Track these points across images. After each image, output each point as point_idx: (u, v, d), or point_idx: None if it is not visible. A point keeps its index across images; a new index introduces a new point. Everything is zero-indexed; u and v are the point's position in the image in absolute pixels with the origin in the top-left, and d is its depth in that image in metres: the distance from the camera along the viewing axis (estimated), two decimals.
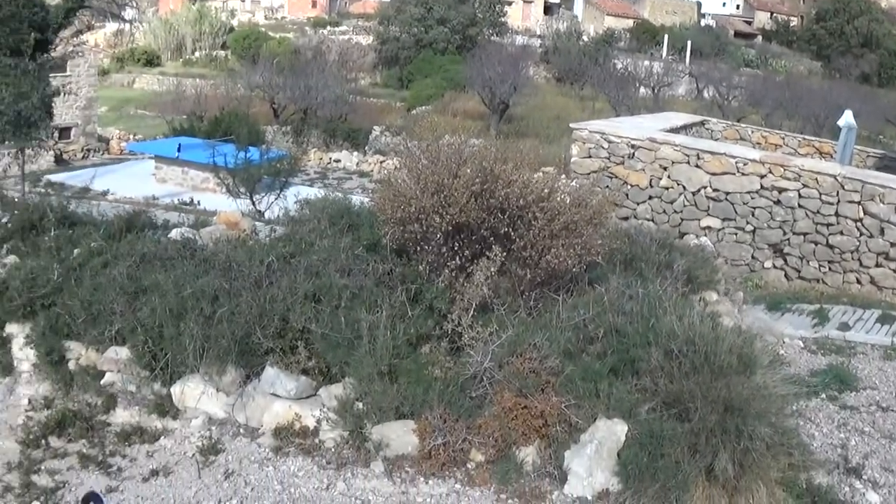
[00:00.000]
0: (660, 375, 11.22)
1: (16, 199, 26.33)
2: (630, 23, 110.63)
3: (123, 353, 12.91)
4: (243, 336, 12.28)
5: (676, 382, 11.02)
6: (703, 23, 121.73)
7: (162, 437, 12.19)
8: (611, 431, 10.87)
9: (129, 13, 69.94)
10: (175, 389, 12.59)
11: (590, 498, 10.61)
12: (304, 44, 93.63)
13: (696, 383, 10.87)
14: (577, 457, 10.75)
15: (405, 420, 11.38)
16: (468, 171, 12.87)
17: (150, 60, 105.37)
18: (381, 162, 51.21)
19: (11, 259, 18.60)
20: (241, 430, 12.15)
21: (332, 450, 11.49)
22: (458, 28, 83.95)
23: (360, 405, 11.59)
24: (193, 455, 11.71)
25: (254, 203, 35.35)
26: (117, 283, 13.47)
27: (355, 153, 55.70)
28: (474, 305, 12.27)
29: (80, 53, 61.37)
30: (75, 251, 15.62)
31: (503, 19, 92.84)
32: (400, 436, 11.27)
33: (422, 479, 10.95)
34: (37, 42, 52.09)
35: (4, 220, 22.12)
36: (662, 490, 10.31)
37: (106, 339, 13.08)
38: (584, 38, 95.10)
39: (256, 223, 20.99)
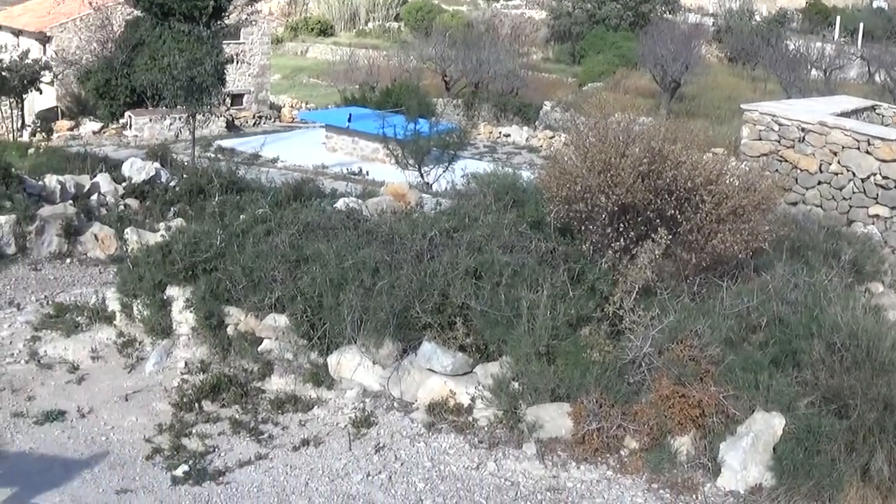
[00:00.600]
0: (821, 369, 11.06)
1: (185, 164, 27.32)
2: (802, 3, 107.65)
3: (282, 320, 13.26)
4: (402, 309, 12.43)
5: (837, 377, 10.86)
6: (874, 5, 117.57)
7: (315, 407, 12.45)
8: (768, 425, 10.77)
9: None
10: (331, 360, 12.87)
11: (742, 492, 10.55)
12: (476, 17, 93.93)
13: (857, 379, 10.70)
14: (731, 449, 10.69)
15: (560, 402, 11.43)
16: (636, 150, 12.86)
17: (324, 30, 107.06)
18: (551, 138, 51.24)
19: (177, 222, 19.41)
20: (395, 404, 12.34)
21: (485, 429, 11.60)
22: (630, 4, 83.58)
23: (516, 385, 11.68)
24: (345, 427, 11.92)
25: (422, 175, 35.87)
26: (280, 250, 13.83)
27: (525, 128, 55.90)
28: (637, 288, 12.23)
29: (254, 21, 62.94)
30: (240, 217, 16.17)
31: None
32: (554, 418, 11.34)
33: (573, 463, 11.00)
34: (211, 9, 53.83)
35: (173, 183, 23.04)
36: (816, 488, 10.20)
37: (265, 306, 13.42)
38: (757, 17, 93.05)
39: (423, 195, 21.31)
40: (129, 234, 19.28)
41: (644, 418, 11.05)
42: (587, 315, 12.23)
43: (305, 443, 11.65)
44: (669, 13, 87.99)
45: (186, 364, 13.51)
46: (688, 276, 13.09)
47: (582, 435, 11.13)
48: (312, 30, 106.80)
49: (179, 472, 10.97)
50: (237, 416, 12.24)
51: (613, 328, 12.12)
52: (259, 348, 13.41)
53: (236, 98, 60.31)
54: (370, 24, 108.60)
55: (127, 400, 12.84)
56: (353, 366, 12.75)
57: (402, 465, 11.12)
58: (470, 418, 11.83)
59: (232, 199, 19.59)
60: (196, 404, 12.50)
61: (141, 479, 10.92)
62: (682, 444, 11.02)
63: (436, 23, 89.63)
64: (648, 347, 11.47)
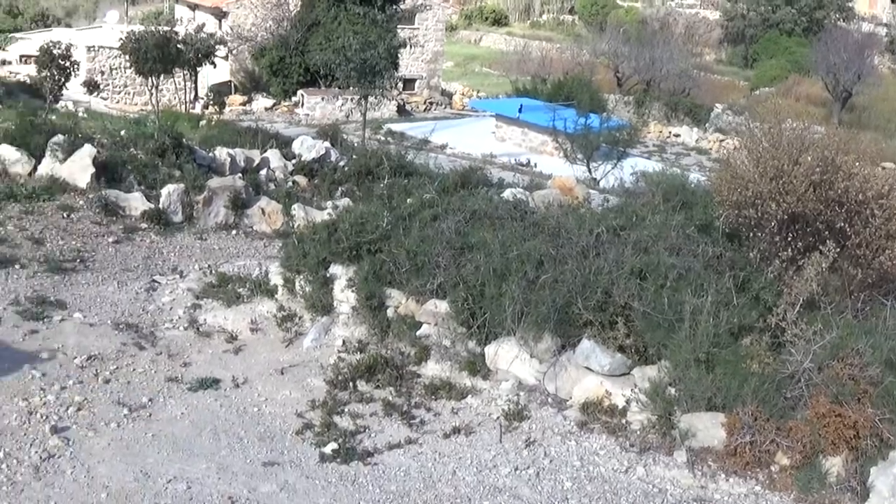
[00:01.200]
0: None
1: (355, 145, 27.74)
2: None
3: (443, 307, 13.37)
4: (563, 305, 12.41)
5: None
6: None
7: (469, 396, 12.52)
8: None
9: None
10: (489, 350, 12.93)
11: None
12: (651, 14, 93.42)
13: None
14: (882, 474, 10.38)
15: (715, 412, 11.28)
16: (809, 158, 12.67)
17: (498, 20, 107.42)
18: (721, 141, 50.75)
19: (344, 202, 19.74)
20: (549, 400, 12.33)
21: (637, 432, 11.52)
22: (805, 10, 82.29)
23: (672, 391, 11.58)
24: (497, 418, 11.96)
25: (590, 170, 35.81)
26: (445, 236, 13.92)
27: (695, 129, 55.47)
28: (801, 301, 12.00)
29: (429, 7, 63.45)
30: (408, 200, 16.36)
31: (850, 4, 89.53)
32: (707, 428, 11.20)
33: (723, 475, 10.87)
34: None
35: (342, 163, 23.45)
36: None
37: (427, 291, 13.58)
38: None
39: (590, 191, 21.26)
40: (297, 210, 19.69)
41: (798, 435, 10.84)
42: (749, 324, 12.04)
43: (456, 431, 11.73)
44: (843, 21, 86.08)
45: (344, 343, 13.75)
46: (853, 292, 12.80)
47: (734, 447, 10.97)
48: (487, 19, 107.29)
49: (328, 449, 11.15)
50: (390, 399, 12.40)
51: (774, 340, 11.87)
52: (417, 333, 13.55)
53: (408, 83, 60.88)
54: (544, 16, 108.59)
55: (282, 374, 13.15)
56: (510, 358, 12.79)
57: (550, 461, 11.11)
58: (623, 420, 11.77)
59: (400, 182, 19.84)
60: (350, 383, 12.71)
61: (289, 453, 11.17)
62: (834, 464, 10.76)
63: (610, 18, 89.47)
64: (809, 363, 11.22)
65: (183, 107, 44.86)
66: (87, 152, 19.55)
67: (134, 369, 12.95)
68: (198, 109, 48.77)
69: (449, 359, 13.09)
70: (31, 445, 10.83)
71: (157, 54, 26.08)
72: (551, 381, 12.51)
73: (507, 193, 17.46)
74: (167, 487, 10.20)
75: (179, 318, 14.60)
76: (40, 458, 10.59)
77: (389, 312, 13.92)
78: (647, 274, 12.67)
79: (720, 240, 13.65)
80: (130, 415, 11.77)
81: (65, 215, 17.96)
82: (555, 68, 67.52)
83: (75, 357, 13.03)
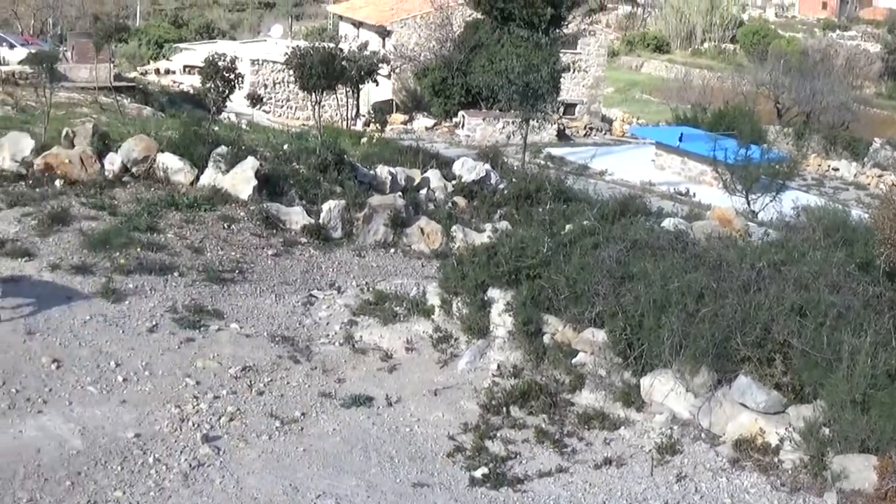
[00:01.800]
0: None
1: (515, 168, 27.73)
2: None
3: (600, 336, 13.26)
4: (722, 339, 12.23)
5: None
6: None
7: (622, 427, 12.40)
8: None
9: None
10: (644, 381, 12.79)
11: None
12: (812, 45, 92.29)
13: None
14: None
15: (868, 454, 10.97)
16: None
17: (659, 46, 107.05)
18: (879, 176, 49.71)
19: (503, 225, 19.72)
20: (702, 435, 12.13)
21: (789, 472, 11.28)
22: None
23: (826, 431, 11.30)
24: (649, 451, 11.83)
25: (748, 202, 35.27)
26: (605, 265, 13.81)
27: (854, 163, 54.47)
28: None
29: (592, 32, 63.42)
30: (567, 227, 16.26)
31: None
32: (860, 470, 10.88)
33: None
34: (550, 17, 54.53)
35: (502, 186, 23.45)
36: None
37: (585, 319, 13.49)
38: None
39: (749, 223, 20.97)
40: (456, 231, 19.78)
41: None
42: None
43: (608, 462, 11.62)
44: None
45: (499, 367, 13.71)
46: None
47: (885, 491, 10.62)
48: (648, 45, 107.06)
49: (479, 473, 11.15)
50: (543, 426, 12.33)
51: None
52: (573, 361, 13.47)
53: (569, 107, 60.84)
54: (706, 44, 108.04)
55: (436, 395, 13.19)
56: (665, 390, 12.64)
57: (701, 497, 10.95)
58: (776, 459, 11.53)
59: (559, 207, 19.76)
60: (504, 408, 12.68)
61: (439, 475, 11.20)
62: None
63: (771, 48, 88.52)
64: None
65: (344, 123, 45.46)
66: (249, 164, 19.90)
67: (288, 382, 13.13)
68: (359, 126, 49.39)
69: (603, 388, 12.96)
70: (181, 452, 11.08)
71: (322, 70, 26.42)
72: (705, 416, 12.32)
73: (668, 223, 17.30)
74: (315, 503, 10.26)
75: (335, 333, 14.75)
76: (190, 465, 10.82)
77: (546, 339, 13.86)
78: (807, 311, 12.40)
79: (881, 279, 13.36)
80: (282, 428, 11.93)
81: (225, 226, 18.32)
82: (715, 97, 67.03)
83: (230, 367, 13.28)
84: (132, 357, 13.25)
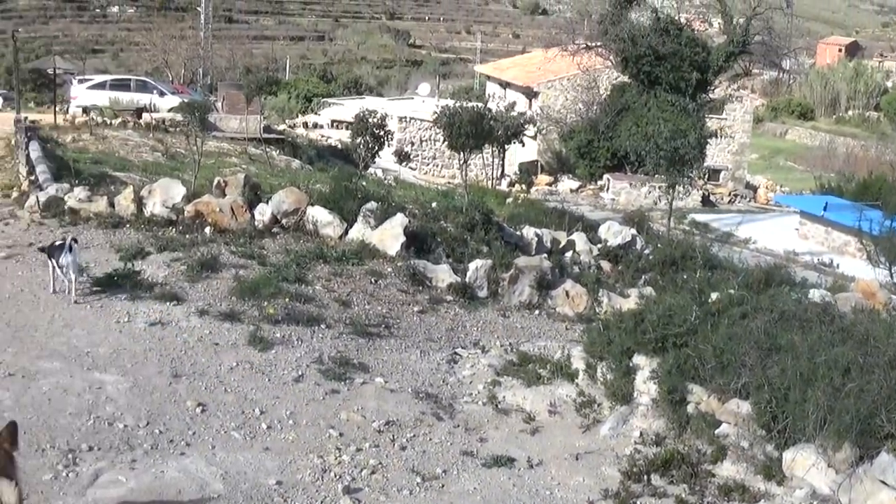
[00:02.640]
0: None
1: (660, 233, 27.60)
2: None
3: (745, 407, 13.03)
4: (867, 415, 12.01)
5: None
6: None
7: (762, 501, 12.08)
8: None
9: (787, 63, 70.91)
10: (787, 455, 12.46)
11: None
12: None
13: None
14: None
15: None
16: None
17: (804, 113, 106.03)
18: None
19: (648, 291, 19.61)
20: None
21: None
22: None
23: None
24: None
25: (892, 275, 34.52)
26: (753, 336, 13.59)
27: None
28: None
29: (738, 98, 62.99)
30: (713, 295, 16.12)
31: None
32: None
33: None
34: (697, 82, 54.39)
35: (647, 251, 23.35)
36: None
37: (730, 390, 13.24)
38: None
39: (893, 297, 20.57)
40: (602, 295, 19.70)
41: None
42: None
43: None
44: None
45: (641, 434, 13.57)
46: None
47: None
48: (793, 112, 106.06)
49: None
50: (683, 496, 12.10)
51: None
52: (716, 431, 13.23)
53: (713, 173, 60.48)
54: (850, 112, 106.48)
55: (577, 459, 13.03)
56: (807, 465, 12.28)
57: None
58: None
59: (704, 275, 19.61)
60: (645, 476, 12.48)
61: None
62: None
63: None
64: None
65: (489, 182, 45.83)
66: (398, 221, 20.15)
67: (430, 439, 13.14)
68: (503, 186, 49.74)
69: (745, 461, 12.67)
70: (321, 503, 11.12)
71: (471, 130, 26.73)
72: (845, 493, 11.89)
73: (815, 295, 17.04)
74: None
75: (479, 392, 14.74)
76: None
77: (690, 408, 13.66)
78: None
79: None
80: (423, 484, 11.91)
81: (372, 281, 18.55)
82: (859, 166, 66.04)
83: (373, 420, 13.34)
84: (277, 405, 13.42)
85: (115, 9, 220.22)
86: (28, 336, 14.61)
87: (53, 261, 16.60)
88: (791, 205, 52.49)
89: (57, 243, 17.06)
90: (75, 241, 17.08)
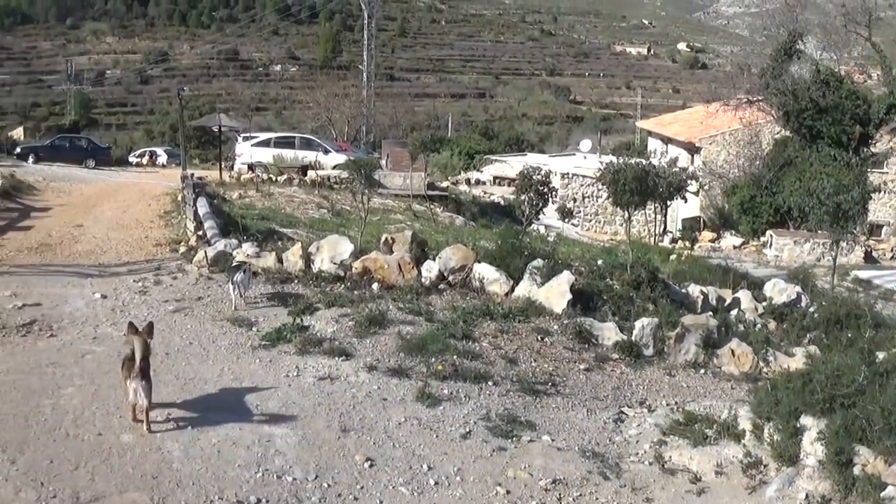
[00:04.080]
0: None
1: (824, 291, 27.19)
2: None
3: None
4: None
5: None
6: None
7: None
8: None
9: None
10: None
11: None
12: None
13: None
14: None
15: None
16: None
17: None
18: None
19: (813, 349, 19.36)
20: None
21: None
22: None
23: None
24: None
25: None
26: None
27: None
28: None
29: None
30: (879, 354, 15.88)
31: None
32: None
33: None
34: (859, 135, 53.54)
35: (812, 309, 23.05)
36: None
37: None
38: None
39: None
40: (769, 355, 19.49)
41: None
42: None
43: None
44: None
45: (807, 496, 13.38)
46: None
47: None
48: None
49: None
50: None
51: None
52: (882, 494, 13.01)
53: (875, 228, 59.29)
54: None
55: None
56: None
57: None
58: None
59: (870, 333, 19.33)
60: None
61: None
62: None
63: None
64: None
65: (652, 238, 45.67)
66: (565, 279, 20.29)
67: (597, 498, 13.12)
68: (666, 242, 49.50)
69: None
70: None
71: (635, 186, 26.73)
72: None
73: None
74: None
75: (645, 452, 14.67)
76: None
77: (856, 470, 13.44)
78: None
79: None
80: None
81: (539, 338, 18.65)
82: None
83: (540, 479, 13.36)
84: (444, 462, 13.55)
85: (278, 67, 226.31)
86: (197, 388, 15.02)
87: (231, 279, 19.50)
88: None
89: (234, 264, 20.31)
90: (249, 265, 20.42)
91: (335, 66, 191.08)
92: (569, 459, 14.07)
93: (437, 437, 14.29)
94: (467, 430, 14.60)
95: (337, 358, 16.70)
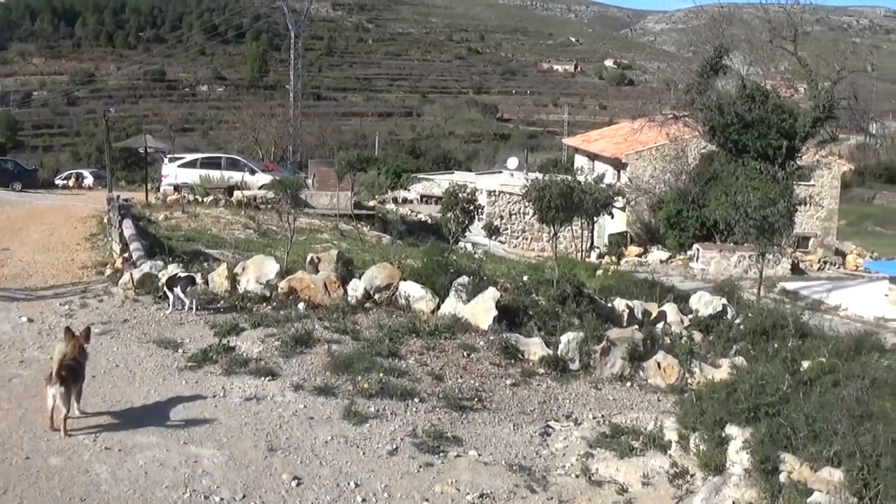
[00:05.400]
0: None
1: (750, 303, 27.53)
2: None
3: (837, 475, 12.94)
4: None
5: None
6: None
7: None
8: None
9: (873, 127, 70.64)
10: None
11: None
12: None
13: None
14: None
15: None
16: None
17: (892, 177, 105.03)
18: None
19: (739, 360, 19.60)
20: None
21: None
22: None
23: None
24: None
25: None
26: (845, 403, 13.55)
27: None
28: None
29: (826, 164, 62.71)
30: (804, 363, 16.12)
31: None
32: None
33: None
34: (784, 149, 54.30)
35: (738, 321, 23.33)
36: None
37: (822, 458, 13.22)
38: None
39: None
40: (694, 366, 19.67)
41: None
42: None
43: None
44: None
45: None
46: None
47: None
48: (881, 176, 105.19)
49: None
50: None
51: None
52: (808, 500, 13.17)
53: (802, 241, 60.17)
54: None
55: None
56: None
57: None
58: None
59: (795, 343, 19.60)
60: None
61: None
62: None
63: None
64: None
65: (579, 254, 46.02)
66: (490, 295, 20.37)
67: None
68: (593, 258, 49.86)
69: None
70: None
71: (561, 203, 26.94)
72: None
73: None
74: None
75: (572, 465, 14.73)
76: None
77: (782, 477, 13.61)
78: None
79: None
80: None
81: (465, 354, 18.68)
82: None
83: (467, 493, 13.39)
84: (372, 479, 13.54)
85: (205, 87, 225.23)
86: (124, 411, 14.92)
87: (176, 290, 20.18)
88: (881, 270, 51.96)
89: (182, 275, 20.71)
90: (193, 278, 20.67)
91: (262, 85, 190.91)
92: (496, 474, 14.11)
93: (363, 454, 14.28)
94: (394, 446, 14.60)
95: (263, 378, 16.64)
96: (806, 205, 54.51)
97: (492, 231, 42.50)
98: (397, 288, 21.32)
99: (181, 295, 20.16)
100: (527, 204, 37.26)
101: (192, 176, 52.93)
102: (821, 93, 55.36)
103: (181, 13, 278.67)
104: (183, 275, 20.77)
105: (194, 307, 20.22)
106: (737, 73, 59.66)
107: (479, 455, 14.72)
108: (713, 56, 57.44)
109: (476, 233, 42.35)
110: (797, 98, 61.25)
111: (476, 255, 34.96)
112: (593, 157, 69.82)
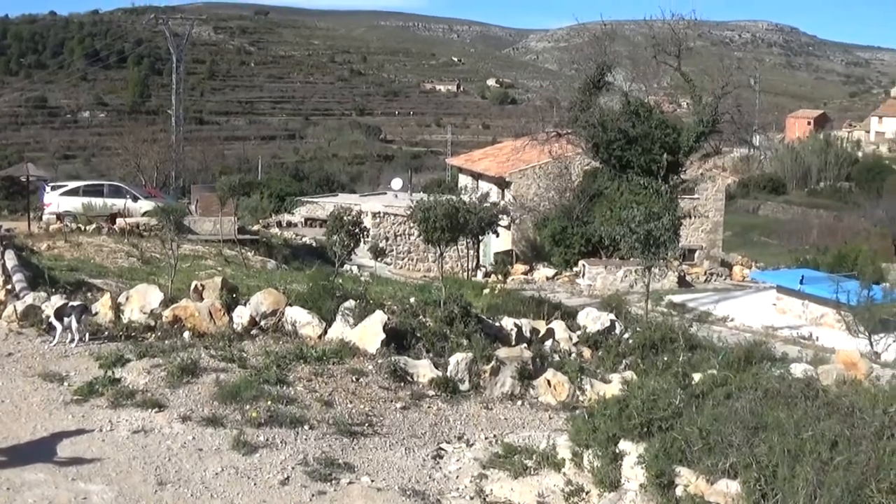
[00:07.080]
0: None
1: (638, 317, 27.72)
2: None
3: (734, 487, 12.97)
4: (856, 487, 12.04)
5: None
6: None
7: None
8: None
9: (757, 139, 72.10)
10: None
11: None
12: None
13: None
14: None
15: None
16: None
17: (776, 188, 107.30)
18: None
19: (629, 375, 19.62)
20: None
21: None
22: None
23: None
24: None
25: (871, 344, 34.96)
26: (738, 415, 13.59)
27: None
28: None
29: (710, 177, 63.74)
30: (695, 376, 16.17)
31: None
32: None
33: None
34: (668, 164, 55.07)
35: (626, 335, 23.43)
36: None
37: (718, 470, 13.27)
38: None
39: (873, 365, 20.74)
40: (585, 383, 19.65)
41: None
42: None
43: None
44: None
45: None
46: None
47: None
48: (764, 188, 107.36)
49: None
50: None
51: None
52: None
53: (688, 253, 60.97)
54: (821, 183, 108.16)
55: None
56: None
57: None
58: None
59: (685, 356, 19.70)
60: None
61: None
62: None
63: (887, 183, 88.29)
64: None
65: (465, 274, 46.01)
66: (378, 318, 20.17)
67: None
68: (479, 277, 49.90)
69: None
70: None
71: (446, 223, 26.85)
72: None
73: (797, 370, 17.13)
74: None
75: (466, 487, 14.58)
76: None
77: (679, 491, 13.58)
78: None
79: None
80: None
81: (354, 379, 18.43)
82: (834, 237, 66.88)
83: None
84: None
85: (87, 114, 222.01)
86: (10, 447, 14.46)
87: (65, 320, 19.67)
88: (767, 280, 52.93)
89: (74, 304, 20.27)
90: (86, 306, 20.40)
91: (144, 111, 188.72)
92: (389, 499, 13.89)
93: (255, 485, 13.96)
94: (285, 476, 14.29)
95: (150, 410, 16.23)
96: (691, 217, 55.43)
97: (377, 253, 42.37)
98: (283, 314, 21.01)
99: (75, 323, 19.60)
100: (412, 225, 37.22)
101: (75, 204, 52.01)
102: (704, 108, 56.25)
103: (63, 38, 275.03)
104: (76, 304, 20.26)
105: (86, 337, 19.79)
106: (620, 89, 60.36)
107: (372, 481, 14.49)
108: (596, 73, 57.97)
109: (362, 255, 42.19)
110: (680, 113, 62.19)
111: (362, 278, 34.77)
112: (477, 176, 70.08)
